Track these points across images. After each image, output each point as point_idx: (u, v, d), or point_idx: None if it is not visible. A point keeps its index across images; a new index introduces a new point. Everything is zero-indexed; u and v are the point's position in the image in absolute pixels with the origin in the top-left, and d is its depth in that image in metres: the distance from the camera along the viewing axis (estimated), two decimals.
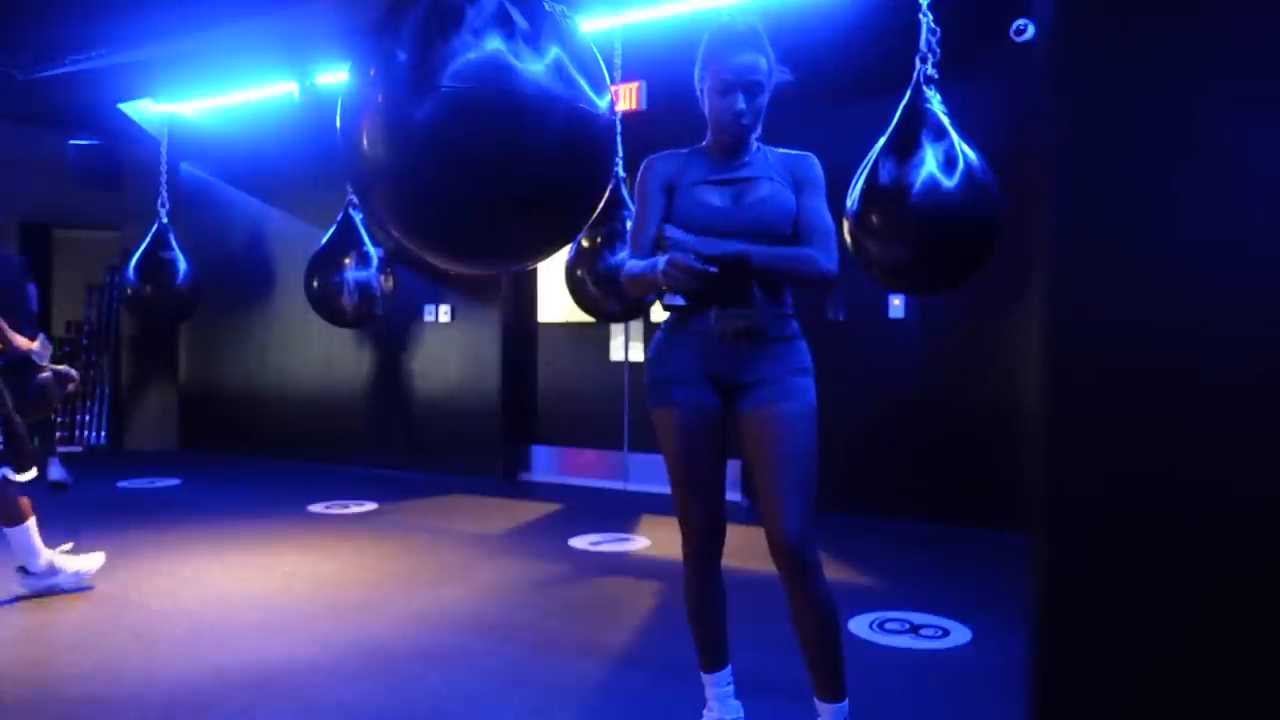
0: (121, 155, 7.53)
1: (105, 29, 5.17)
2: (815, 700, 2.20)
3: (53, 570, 3.66)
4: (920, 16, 3.56)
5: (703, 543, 2.26)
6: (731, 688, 2.35)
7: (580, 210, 2.33)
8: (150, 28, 5.15)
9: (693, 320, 2.18)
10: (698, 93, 2.22)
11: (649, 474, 6.16)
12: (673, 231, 2.11)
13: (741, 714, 2.35)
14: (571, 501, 5.84)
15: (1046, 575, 1.60)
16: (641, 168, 2.26)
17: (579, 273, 4.70)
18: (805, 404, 2.16)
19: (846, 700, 2.19)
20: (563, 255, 4.70)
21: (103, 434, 7.78)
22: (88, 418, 7.76)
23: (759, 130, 2.23)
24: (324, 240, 5.94)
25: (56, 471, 6.07)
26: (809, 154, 2.27)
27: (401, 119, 2.02)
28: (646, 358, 2.28)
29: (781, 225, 2.17)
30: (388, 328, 6.86)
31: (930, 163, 3.39)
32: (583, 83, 2.14)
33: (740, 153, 2.21)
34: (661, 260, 2.06)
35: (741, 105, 2.12)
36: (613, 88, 2.64)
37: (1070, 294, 1.54)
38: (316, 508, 5.57)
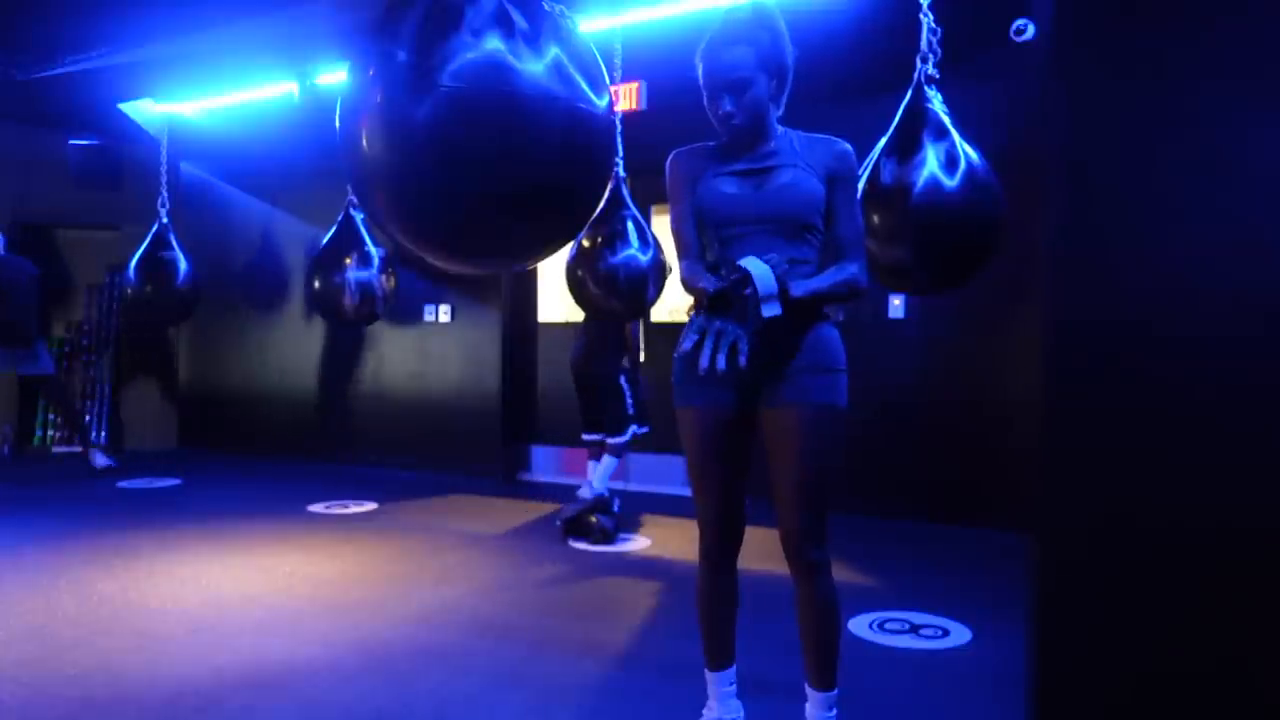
0: (121, 155, 7.52)
1: (105, 29, 5.16)
2: (805, 686, 2.23)
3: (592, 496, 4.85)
4: (921, 16, 3.55)
5: (717, 541, 2.26)
6: (734, 688, 2.35)
7: (580, 210, 2.33)
8: (150, 28, 5.14)
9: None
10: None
11: (649, 474, 6.16)
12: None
13: (741, 714, 2.35)
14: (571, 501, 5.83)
15: (1046, 575, 1.60)
16: (667, 166, 2.25)
17: (579, 273, 4.69)
18: (826, 403, 2.13)
19: (836, 690, 2.22)
20: (563, 255, 4.70)
21: (103, 434, 7.77)
22: (88, 418, 7.75)
23: (780, 112, 2.19)
24: (324, 240, 5.92)
25: None
26: (842, 142, 2.19)
27: (401, 119, 2.02)
28: (674, 355, 2.28)
29: (805, 213, 2.12)
30: (388, 328, 6.86)
31: (932, 163, 3.39)
32: (582, 83, 2.13)
33: (761, 142, 2.17)
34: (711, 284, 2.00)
35: (728, 107, 2.10)
36: (613, 88, 2.63)
37: (1071, 293, 1.54)
38: (316, 508, 5.57)
